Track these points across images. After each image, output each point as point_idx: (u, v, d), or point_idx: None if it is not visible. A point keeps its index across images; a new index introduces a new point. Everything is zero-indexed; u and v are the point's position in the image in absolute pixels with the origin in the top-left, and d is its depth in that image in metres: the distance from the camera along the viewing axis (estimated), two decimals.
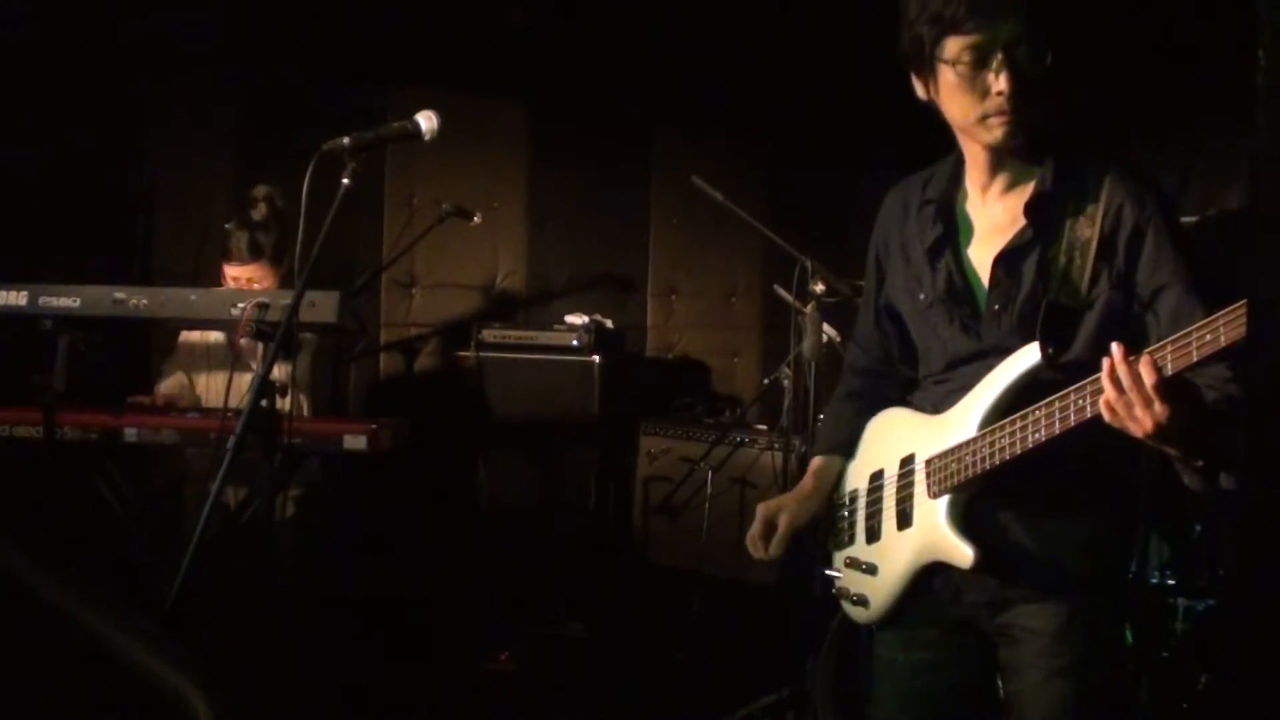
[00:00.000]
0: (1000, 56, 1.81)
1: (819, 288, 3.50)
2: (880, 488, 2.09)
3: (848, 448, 2.19)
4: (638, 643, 4.40)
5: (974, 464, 1.88)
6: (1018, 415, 1.81)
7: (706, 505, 4.19)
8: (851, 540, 2.15)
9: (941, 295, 2.00)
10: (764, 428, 4.56)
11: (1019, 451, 1.81)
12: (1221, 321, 1.56)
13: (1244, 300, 1.53)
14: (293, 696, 2.88)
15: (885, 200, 2.18)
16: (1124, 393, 1.64)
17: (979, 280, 1.97)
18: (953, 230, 2.01)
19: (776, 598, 4.01)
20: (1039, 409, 1.78)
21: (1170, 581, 3.35)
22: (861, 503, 2.13)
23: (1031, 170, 1.93)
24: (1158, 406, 1.62)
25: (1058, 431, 1.75)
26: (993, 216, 1.97)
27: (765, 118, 5.42)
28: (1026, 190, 1.93)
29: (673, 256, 5.54)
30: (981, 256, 1.97)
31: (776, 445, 4.13)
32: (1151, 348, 1.64)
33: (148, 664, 1.16)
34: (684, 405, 5.07)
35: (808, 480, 2.21)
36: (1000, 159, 1.94)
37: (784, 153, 5.52)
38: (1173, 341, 1.62)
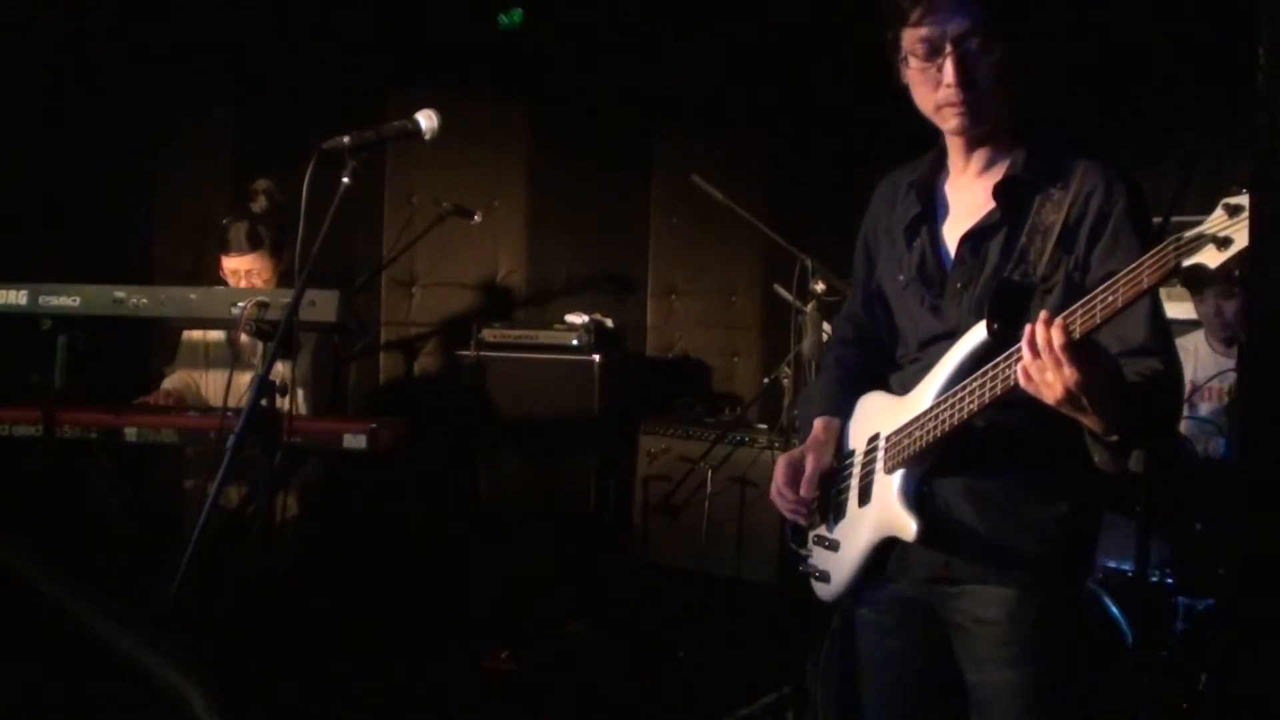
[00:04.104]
0: (949, 49, 1.86)
1: (819, 287, 3.50)
2: (850, 467, 2.12)
3: (843, 412, 2.20)
4: (638, 643, 4.40)
5: (921, 437, 1.91)
6: (959, 386, 1.85)
7: (706, 504, 4.20)
8: (822, 519, 2.18)
9: (914, 275, 2.05)
10: (764, 427, 4.56)
11: (957, 422, 1.84)
12: (1121, 282, 1.60)
13: (1138, 262, 1.59)
14: (293, 696, 2.88)
15: (877, 188, 2.22)
16: (1038, 356, 1.66)
17: (950, 259, 2.00)
18: (930, 209, 2.06)
19: (776, 598, 4.01)
20: (974, 379, 1.82)
21: (1170, 581, 3.35)
22: (833, 482, 2.16)
23: (1007, 154, 1.97)
24: (1067, 369, 1.64)
25: (987, 400, 1.79)
26: (968, 197, 2.01)
27: (765, 118, 5.42)
28: (1000, 172, 1.97)
29: (673, 256, 5.54)
30: (954, 235, 2.01)
31: (776, 444, 4.13)
32: (1063, 313, 1.66)
33: (147, 663, 1.16)
34: (684, 405, 5.08)
35: (818, 432, 2.18)
36: (974, 142, 1.98)
37: (784, 153, 5.53)
38: (1080, 305, 1.65)
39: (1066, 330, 1.64)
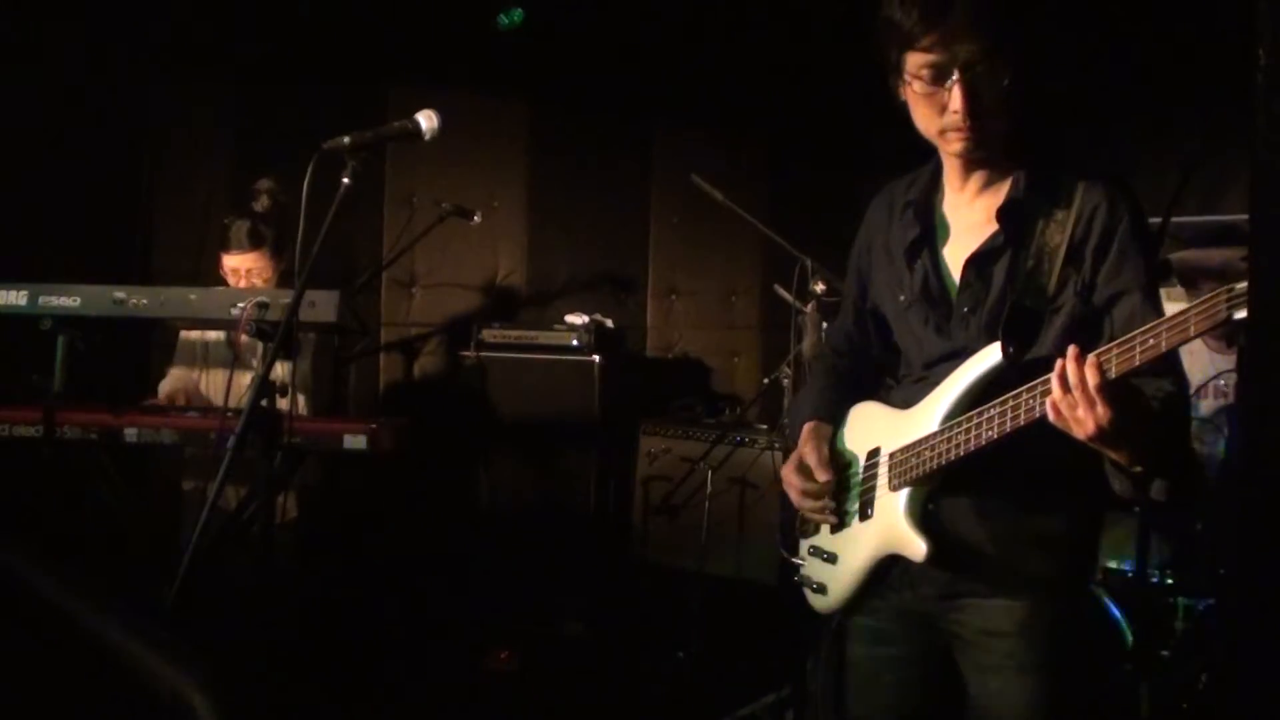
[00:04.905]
0: (956, 75, 1.82)
1: (819, 287, 3.49)
2: (847, 479, 2.10)
3: (834, 418, 2.18)
4: (638, 643, 4.40)
5: (932, 459, 1.89)
6: (975, 412, 1.83)
7: (706, 505, 4.19)
8: (817, 529, 2.16)
9: (917, 296, 2.02)
10: (764, 427, 4.56)
11: (973, 448, 1.82)
12: (1164, 327, 1.57)
13: (1186, 309, 1.54)
14: (293, 696, 2.88)
15: (871, 203, 2.20)
16: (1069, 392, 1.64)
17: (953, 281, 1.98)
18: (930, 231, 2.03)
19: (776, 598, 4.01)
20: (993, 407, 1.79)
21: (1170, 581, 3.35)
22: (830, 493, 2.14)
23: (1007, 172, 1.95)
24: (1100, 408, 1.62)
25: (1009, 430, 1.77)
26: (968, 217, 1.99)
27: (765, 118, 5.42)
28: (1002, 192, 1.94)
29: (673, 256, 5.54)
30: (956, 257, 1.99)
31: (776, 445, 4.13)
32: (1097, 350, 1.64)
33: (148, 663, 1.16)
34: (684, 405, 5.08)
35: (808, 432, 2.14)
36: (973, 164, 1.96)
37: (784, 153, 5.53)
38: (1118, 345, 1.62)
39: (1101, 370, 1.62)
